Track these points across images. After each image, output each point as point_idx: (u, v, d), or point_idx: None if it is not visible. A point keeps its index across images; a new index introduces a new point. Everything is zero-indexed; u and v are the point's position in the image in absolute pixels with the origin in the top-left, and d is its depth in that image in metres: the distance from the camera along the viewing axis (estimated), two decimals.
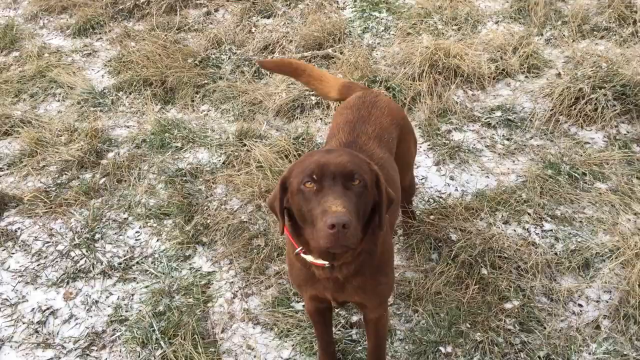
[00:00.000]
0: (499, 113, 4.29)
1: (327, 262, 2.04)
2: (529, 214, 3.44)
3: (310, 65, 3.33)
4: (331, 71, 4.76)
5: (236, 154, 4.03)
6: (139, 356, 2.88)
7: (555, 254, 3.19)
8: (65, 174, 4.06)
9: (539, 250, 3.19)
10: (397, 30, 5.27)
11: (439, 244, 3.29)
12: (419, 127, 4.25)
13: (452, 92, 4.40)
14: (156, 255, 3.43)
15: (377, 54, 5.07)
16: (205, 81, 4.87)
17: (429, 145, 4.12)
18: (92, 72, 5.34)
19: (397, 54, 4.85)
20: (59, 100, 4.95)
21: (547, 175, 3.66)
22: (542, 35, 5.08)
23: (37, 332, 3.07)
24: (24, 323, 3.11)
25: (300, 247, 2.05)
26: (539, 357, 2.70)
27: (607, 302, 2.95)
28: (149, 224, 3.63)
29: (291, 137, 4.06)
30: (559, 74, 4.56)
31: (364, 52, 4.88)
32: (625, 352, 2.68)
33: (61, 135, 4.34)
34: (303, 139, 4.10)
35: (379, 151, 2.46)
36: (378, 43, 5.23)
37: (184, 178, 3.91)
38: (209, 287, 3.24)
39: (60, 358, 2.94)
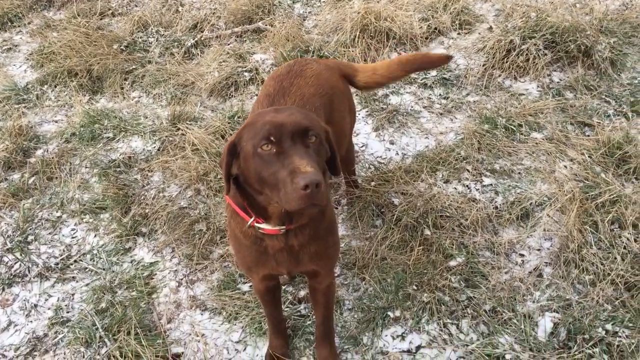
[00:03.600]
0: (434, 73, 4.27)
1: (284, 227, 1.97)
2: (468, 170, 3.44)
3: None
4: (262, 45, 4.64)
5: (171, 139, 3.91)
6: (84, 356, 2.78)
7: (496, 207, 3.21)
8: None
9: (480, 205, 3.20)
10: None
11: (382, 210, 3.26)
12: (356, 94, 4.19)
13: (386, 55, 4.35)
14: (95, 252, 3.31)
15: (309, 23, 4.98)
16: (134, 66, 4.69)
17: (367, 111, 4.07)
18: (14, 67, 5.10)
19: (329, 22, 4.76)
20: None
21: (484, 130, 3.66)
22: None
23: None
24: None
25: (253, 218, 1.96)
26: (485, 310, 2.72)
27: (549, 249, 2.99)
28: (84, 220, 3.50)
29: (226, 117, 3.95)
30: (490, 28, 4.55)
31: (295, 23, 4.78)
32: (567, 297, 2.71)
33: None
34: (239, 117, 3.99)
35: None
36: (309, 12, 5.13)
37: (118, 169, 3.77)
38: (152, 278, 3.14)
39: None
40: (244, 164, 1.85)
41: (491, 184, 3.36)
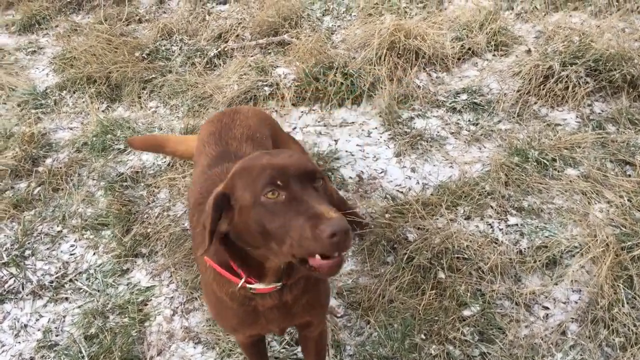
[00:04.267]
0: (464, 96, 4.00)
1: (279, 284, 1.73)
2: (492, 207, 3.16)
3: (169, 135, 3.15)
4: (286, 58, 4.45)
5: None
6: None
7: (520, 251, 2.92)
8: None
9: (502, 248, 2.92)
10: (358, 11, 4.95)
11: (394, 246, 3.02)
12: (379, 116, 3.96)
13: (414, 75, 4.10)
14: (91, 271, 3.16)
15: (337, 37, 4.76)
16: (153, 75, 4.56)
17: (389, 134, 3.83)
18: (37, 70, 5.03)
19: (358, 37, 4.54)
20: (2, 103, 4.64)
21: (513, 163, 3.37)
22: (512, 9, 4.76)
23: None
24: None
25: (244, 279, 1.71)
26: None
27: (576, 303, 2.69)
28: (85, 236, 3.35)
29: None
30: (528, 51, 4.26)
31: (322, 36, 4.57)
32: None
33: None
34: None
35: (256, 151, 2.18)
36: (338, 26, 4.92)
37: (125, 183, 3.62)
38: (147, 305, 2.97)
39: None
40: (239, 218, 1.59)
41: (517, 224, 3.07)
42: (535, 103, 3.85)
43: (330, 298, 2.21)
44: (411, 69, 4.08)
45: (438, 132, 3.81)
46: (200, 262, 1.96)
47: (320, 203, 1.49)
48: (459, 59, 4.27)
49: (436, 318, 2.66)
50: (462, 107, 3.93)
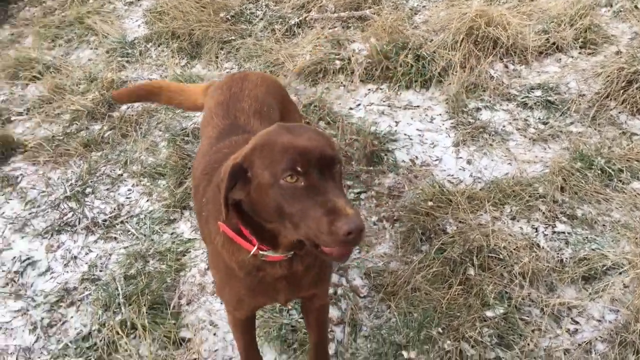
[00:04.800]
0: (538, 92, 3.81)
1: (291, 253, 1.75)
2: (541, 210, 3.03)
3: (166, 81, 3.15)
4: (363, 34, 4.42)
5: None
6: (99, 319, 2.81)
7: (561, 261, 2.79)
8: (76, 124, 4.04)
9: (542, 254, 2.80)
10: None
11: (431, 236, 2.97)
12: (446, 102, 3.87)
13: (488, 65, 3.95)
14: (142, 216, 3.34)
15: (419, 18, 4.66)
16: (233, 37, 4.67)
17: (452, 123, 3.74)
18: (131, 21, 5.28)
19: (440, 20, 4.42)
20: (92, 48, 4.93)
21: (574, 168, 3.20)
22: (610, 6, 4.45)
23: (13, 281, 3.07)
24: (3, 272, 3.12)
25: (257, 246, 1.73)
26: None
27: (610, 322, 2.55)
28: (142, 183, 3.54)
29: (301, 104, 3.80)
30: (618, 52, 3.98)
31: (403, 15, 4.49)
32: None
33: (80, 84, 4.31)
34: (315, 107, 3.83)
35: (265, 125, 2.16)
36: (423, 6, 4.80)
37: (186, 138, 3.76)
38: (185, 256, 3.11)
39: (28, 310, 2.92)
40: (257, 194, 1.61)
41: (564, 232, 2.93)
42: (614, 108, 3.62)
43: (332, 273, 2.23)
44: (486, 58, 3.93)
45: (503, 126, 3.67)
46: (206, 232, 1.99)
47: (338, 196, 1.51)
48: (540, 53, 4.06)
49: (457, 314, 2.61)
50: (535, 103, 3.76)
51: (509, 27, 3.98)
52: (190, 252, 3.12)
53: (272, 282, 1.86)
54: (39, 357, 2.70)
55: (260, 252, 1.73)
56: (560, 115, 3.67)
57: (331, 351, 2.56)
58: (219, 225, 1.80)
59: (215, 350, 2.67)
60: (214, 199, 1.86)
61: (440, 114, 3.83)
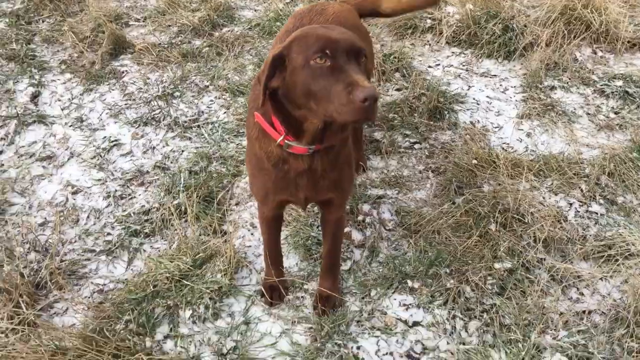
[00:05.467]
0: (619, 82, 3.78)
1: (312, 147, 2.01)
2: (581, 189, 3.09)
3: None
4: None
5: None
6: (160, 200, 3.24)
7: (584, 237, 2.87)
8: (181, 36, 4.47)
9: (566, 226, 2.89)
10: None
11: (468, 190, 3.13)
12: (523, 76, 3.93)
13: (576, 47, 3.94)
14: (216, 124, 3.72)
15: None
16: None
17: (523, 96, 3.81)
18: None
19: None
20: None
21: (628, 157, 3.21)
22: None
23: (99, 156, 3.56)
24: (93, 146, 3.62)
25: (284, 135, 2.00)
26: (500, 323, 2.54)
27: (614, 301, 2.62)
28: (223, 97, 3.92)
29: (380, 54, 4.00)
30: None
31: None
32: (590, 351, 2.40)
33: (193, 2, 4.74)
34: (394, 58, 4.02)
35: None
36: None
37: None
38: (244, 165, 3.46)
39: (106, 181, 3.40)
40: (290, 77, 1.85)
41: (597, 213, 2.99)
42: None
43: (352, 186, 2.46)
44: (574, 39, 3.92)
45: (574, 109, 3.70)
46: (248, 125, 2.28)
47: (357, 73, 1.74)
48: (633, 45, 3.98)
49: (469, 262, 2.79)
50: (612, 92, 3.74)
51: (605, 12, 3.93)
52: None
53: (294, 177, 2.13)
54: (106, 219, 3.17)
55: (286, 141, 2.00)
56: (636, 107, 3.64)
57: (346, 267, 2.83)
58: (255, 116, 2.10)
59: (248, 246, 3.01)
60: (255, 93, 2.16)
61: (515, 87, 3.91)
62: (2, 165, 3.45)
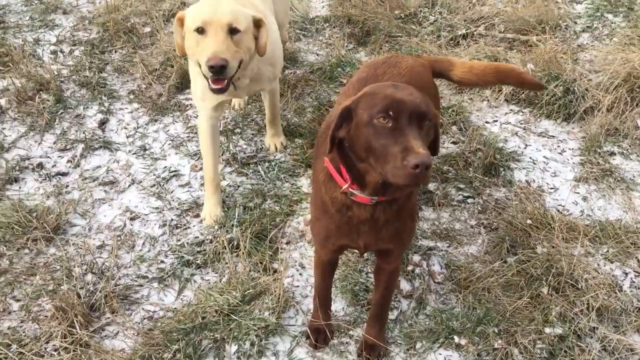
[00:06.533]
0: None
1: (375, 198, 2.05)
2: (637, 259, 3.03)
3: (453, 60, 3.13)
4: (522, 57, 4.53)
5: None
6: (214, 232, 3.31)
7: (638, 309, 2.80)
8: None
9: (622, 297, 2.83)
10: (621, 38, 4.74)
11: (521, 251, 3.10)
12: (582, 139, 3.91)
13: (638, 115, 3.91)
14: (273, 163, 3.80)
15: (585, 56, 4.66)
16: (400, 34, 5.00)
17: (581, 160, 3.78)
18: (317, 1, 5.81)
19: (605, 62, 4.40)
20: None
21: None
22: None
23: (159, 184, 3.67)
24: (154, 175, 3.74)
25: (349, 183, 2.05)
26: None
27: None
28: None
29: (441, 105, 4.05)
30: None
31: (567, 50, 4.54)
32: None
33: None
34: (452, 111, 4.07)
35: None
36: (592, 45, 4.79)
37: (329, 109, 4.18)
38: (297, 205, 3.52)
39: (163, 210, 3.50)
40: (355, 130, 1.92)
41: None
42: None
43: (412, 238, 2.48)
44: (636, 107, 3.89)
45: (633, 176, 3.65)
46: (315, 168, 2.36)
47: (415, 138, 1.79)
48: None
49: (518, 323, 2.75)
50: None
51: None
52: (302, 203, 3.53)
53: (357, 224, 2.17)
54: (161, 247, 3.26)
55: (351, 190, 2.06)
56: None
57: (392, 316, 2.83)
58: (324, 161, 2.16)
59: (296, 286, 3.05)
60: (324, 139, 2.23)
61: (572, 149, 3.88)
62: (67, 186, 3.60)
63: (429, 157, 1.73)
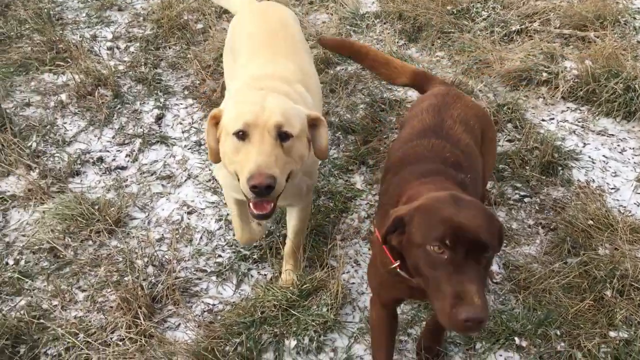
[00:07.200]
0: None
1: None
2: None
3: (375, 50, 3.25)
4: (580, 54, 4.43)
5: None
6: (270, 228, 3.35)
7: None
8: None
9: None
10: None
11: (580, 252, 3.04)
12: (639, 137, 3.81)
13: None
14: (326, 160, 3.81)
15: None
16: (452, 30, 4.94)
17: None
18: None
19: None
20: (329, 14, 5.51)
21: None
22: None
23: (214, 179, 3.72)
24: (209, 170, 3.78)
25: (398, 263, 1.90)
26: None
27: None
28: (336, 134, 4.01)
29: (494, 104, 4.01)
30: None
31: (627, 45, 4.42)
32: None
33: (309, 40, 4.92)
34: (508, 109, 4.01)
35: (465, 137, 2.34)
36: None
37: (382, 106, 4.17)
38: (351, 201, 3.52)
39: (219, 205, 3.55)
40: (407, 246, 1.78)
41: None
42: None
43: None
44: None
45: None
46: (372, 240, 2.33)
47: (472, 281, 1.60)
48: None
49: (581, 326, 2.70)
50: None
51: None
52: (356, 199, 3.53)
53: (408, 285, 2.01)
54: (218, 241, 3.31)
55: (399, 270, 1.91)
56: None
57: None
58: (376, 232, 2.08)
59: (352, 283, 3.06)
60: (388, 197, 2.15)
61: (633, 148, 3.79)
62: (126, 180, 3.68)
63: (484, 311, 1.56)
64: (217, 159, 2.35)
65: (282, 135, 2.16)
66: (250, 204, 2.20)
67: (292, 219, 2.91)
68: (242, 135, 2.15)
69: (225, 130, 2.24)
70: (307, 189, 2.73)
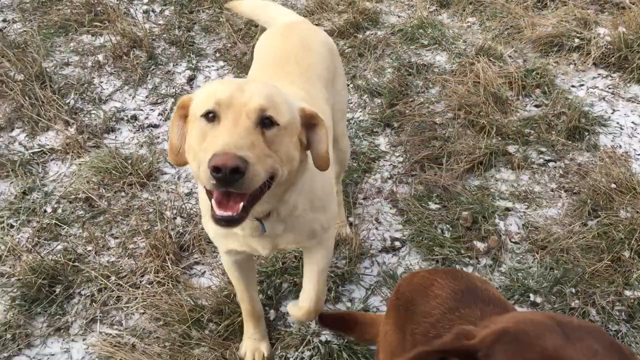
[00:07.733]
0: None
1: None
2: None
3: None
4: (614, 20, 4.35)
5: (464, 66, 4.12)
6: None
7: None
8: None
9: None
10: None
11: (604, 214, 3.05)
12: None
13: None
14: (352, 122, 3.87)
15: None
16: None
17: None
18: None
19: None
20: None
21: None
22: None
23: None
24: None
25: None
26: None
27: None
28: (363, 97, 4.06)
29: (522, 69, 3.99)
30: None
31: None
32: None
33: (340, 5, 4.95)
34: (537, 74, 3.99)
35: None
36: None
37: (410, 70, 4.19)
38: (375, 162, 3.59)
39: None
40: None
41: None
42: None
43: None
44: None
45: None
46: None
47: None
48: None
49: (597, 285, 2.73)
50: None
51: None
52: (379, 160, 3.60)
53: None
54: None
55: None
56: None
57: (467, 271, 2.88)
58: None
59: (372, 240, 3.14)
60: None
61: None
62: (158, 137, 3.81)
63: None
64: (178, 159, 1.85)
65: (265, 122, 1.61)
66: (213, 202, 1.60)
67: (308, 264, 2.31)
68: (212, 117, 1.61)
69: (193, 116, 1.69)
70: (321, 226, 2.10)
